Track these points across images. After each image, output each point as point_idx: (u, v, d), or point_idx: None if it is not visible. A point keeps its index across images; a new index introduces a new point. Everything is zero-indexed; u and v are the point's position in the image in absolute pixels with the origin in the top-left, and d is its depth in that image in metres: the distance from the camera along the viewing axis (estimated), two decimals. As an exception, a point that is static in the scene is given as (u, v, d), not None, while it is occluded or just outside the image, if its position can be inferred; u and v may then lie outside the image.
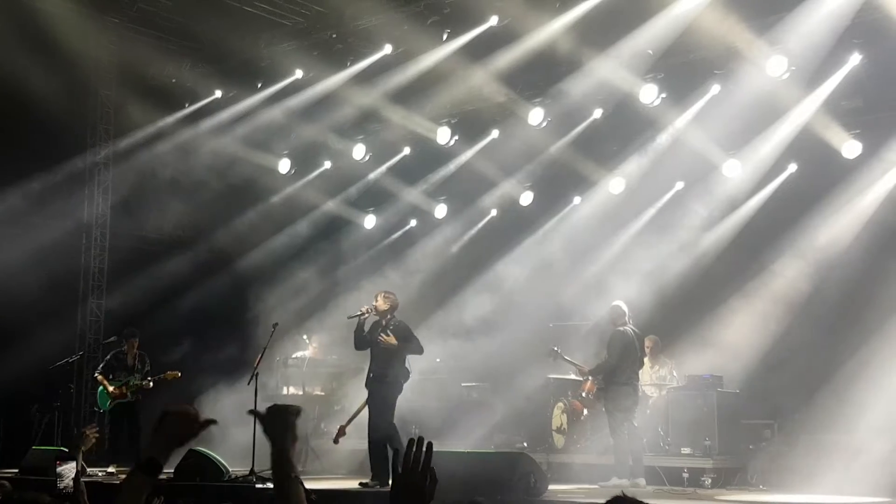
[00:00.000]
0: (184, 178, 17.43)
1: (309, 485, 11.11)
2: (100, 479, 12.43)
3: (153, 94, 17.10)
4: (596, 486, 11.66)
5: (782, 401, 13.11)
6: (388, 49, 15.21)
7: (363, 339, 11.53)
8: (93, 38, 15.98)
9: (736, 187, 15.34)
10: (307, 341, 15.49)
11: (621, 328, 12.17)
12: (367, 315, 11.44)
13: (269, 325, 12.66)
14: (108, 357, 14.12)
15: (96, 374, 14.05)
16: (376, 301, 11.50)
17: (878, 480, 10.66)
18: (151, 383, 13.76)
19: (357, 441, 14.74)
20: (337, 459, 14.32)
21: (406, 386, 15.14)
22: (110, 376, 13.90)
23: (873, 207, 14.15)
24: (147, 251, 17.77)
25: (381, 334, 11.37)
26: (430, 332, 16.11)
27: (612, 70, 14.32)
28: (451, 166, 17.50)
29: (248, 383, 12.07)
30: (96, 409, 14.06)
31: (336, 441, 12.76)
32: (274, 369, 14.41)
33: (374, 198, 18.90)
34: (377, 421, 11.41)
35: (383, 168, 18.20)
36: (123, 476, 12.54)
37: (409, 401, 15.17)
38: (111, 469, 13.36)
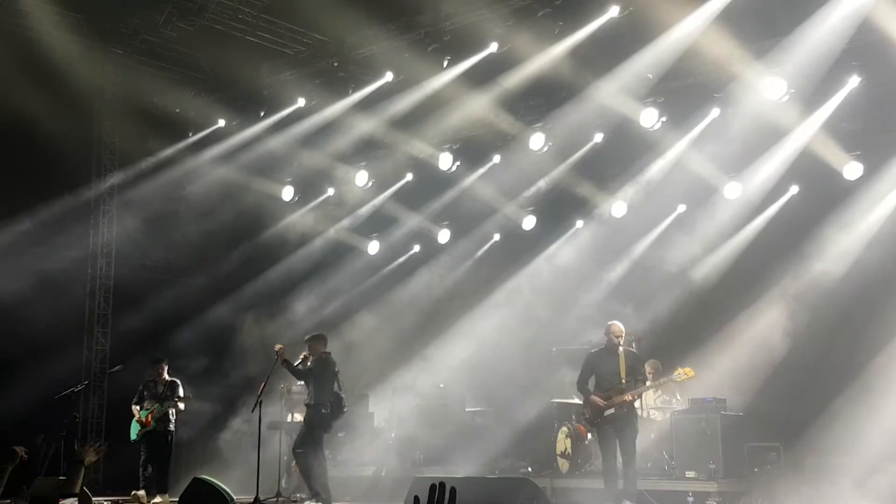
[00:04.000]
0: (188, 207, 17.55)
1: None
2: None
3: (157, 124, 17.23)
4: None
5: (787, 423, 13.07)
6: (389, 76, 15.32)
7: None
8: (97, 69, 16.13)
9: (737, 209, 15.38)
10: (311, 368, 15.48)
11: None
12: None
13: (272, 353, 12.68)
14: (141, 387, 14.09)
15: (132, 405, 14.02)
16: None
17: (883, 502, 10.64)
18: (177, 406, 13.75)
19: (359, 468, 14.80)
20: (341, 487, 14.32)
21: (409, 411, 15.25)
22: (141, 406, 13.88)
23: (875, 228, 14.17)
24: (152, 280, 17.83)
25: None
26: (433, 358, 16.20)
27: (612, 94, 14.38)
28: (454, 192, 17.57)
29: (252, 411, 12.09)
30: (131, 440, 13.96)
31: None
32: (278, 397, 14.41)
33: (377, 224, 18.99)
34: None
35: (386, 194, 18.29)
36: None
37: (413, 426, 15.26)
38: (132, 498, 13.40)
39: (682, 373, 11.76)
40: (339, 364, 12.99)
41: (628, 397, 11.49)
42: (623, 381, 11.55)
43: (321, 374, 12.36)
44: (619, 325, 11.87)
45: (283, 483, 13.47)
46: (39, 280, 15.39)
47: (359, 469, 14.91)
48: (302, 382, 14.28)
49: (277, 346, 12.47)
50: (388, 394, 16.33)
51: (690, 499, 11.97)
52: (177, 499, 11.96)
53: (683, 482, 12.39)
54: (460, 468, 13.99)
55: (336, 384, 12.46)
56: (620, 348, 11.73)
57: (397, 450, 15.10)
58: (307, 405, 12.41)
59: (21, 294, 14.97)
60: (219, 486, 11.43)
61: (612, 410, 11.54)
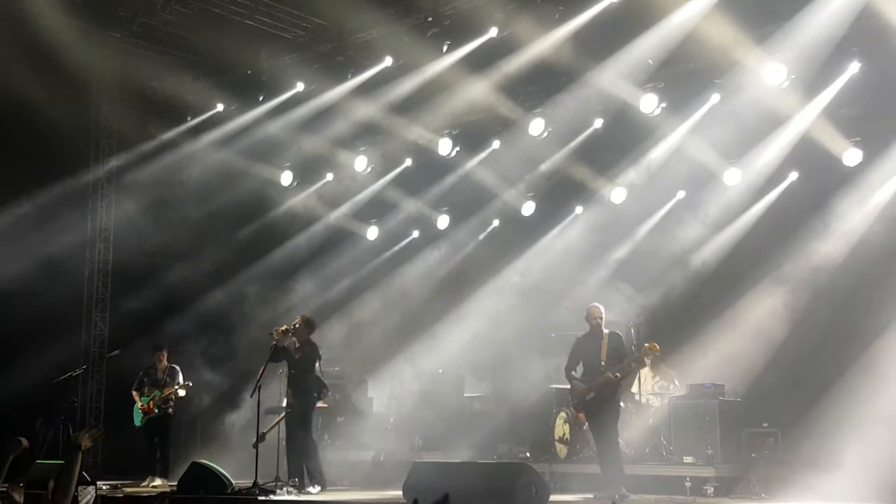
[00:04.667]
0: (186, 192, 17.52)
1: (312, 497, 11.18)
2: (104, 492, 12.45)
3: (155, 109, 17.22)
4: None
5: (784, 409, 13.08)
6: (388, 61, 15.28)
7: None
8: (95, 53, 16.10)
9: (737, 196, 15.36)
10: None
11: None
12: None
13: (270, 339, 12.62)
14: (141, 373, 14.31)
15: (132, 391, 14.24)
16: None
17: (881, 487, 10.66)
18: (176, 393, 13.93)
19: (358, 452, 14.82)
20: (340, 471, 14.35)
21: (408, 397, 15.18)
22: (142, 392, 14.11)
23: (874, 215, 14.15)
24: (150, 264, 17.85)
25: None
26: (432, 343, 16.21)
27: (612, 80, 14.36)
28: (453, 177, 17.54)
29: (251, 396, 12.08)
30: (136, 426, 14.20)
31: (254, 446, 12.67)
32: (277, 382, 14.43)
33: (376, 209, 18.96)
34: None
35: (385, 180, 18.26)
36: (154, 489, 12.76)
37: (412, 411, 15.27)
38: (147, 482, 13.55)
39: (648, 349, 11.57)
40: (338, 349, 12.98)
41: (610, 375, 11.20)
42: (602, 363, 11.32)
43: (310, 360, 12.29)
44: (597, 308, 11.63)
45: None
46: (38, 264, 15.40)
47: (358, 454, 14.92)
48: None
49: (275, 330, 12.37)
50: (388, 379, 16.35)
51: (688, 484, 11.99)
52: (176, 483, 12.02)
53: (681, 467, 12.41)
54: (459, 453, 14.02)
55: (319, 370, 12.45)
56: (605, 331, 11.50)
57: (396, 435, 15.13)
58: (296, 391, 12.28)
59: (20, 278, 14.98)
60: (217, 470, 11.51)
61: (592, 395, 11.37)
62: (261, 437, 12.14)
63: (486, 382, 15.90)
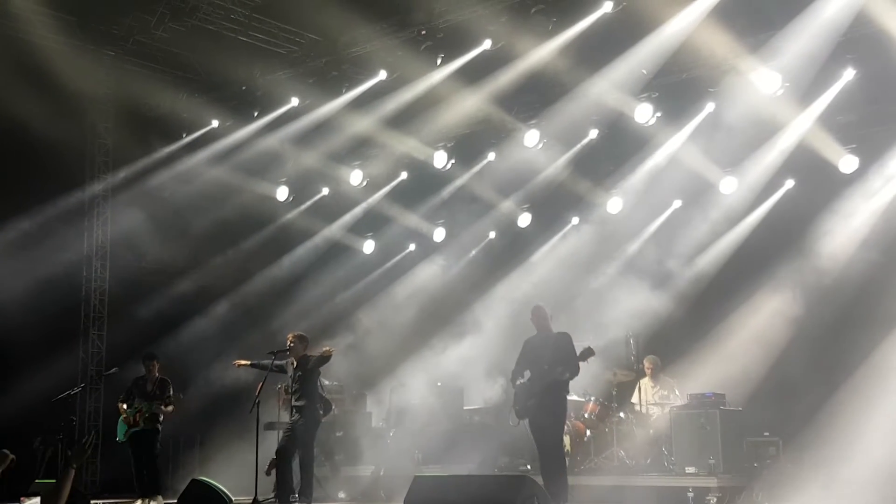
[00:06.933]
0: (182, 208, 17.49)
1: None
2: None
3: (150, 126, 17.21)
4: None
5: (787, 417, 13.04)
6: (382, 75, 15.29)
7: None
8: (89, 71, 16.06)
9: (733, 204, 15.36)
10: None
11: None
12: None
13: (268, 355, 12.56)
14: (130, 384, 13.69)
15: (118, 403, 13.60)
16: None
17: (884, 496, 10.62)
18: (168, 407, 13.35)
19: (357, 467, 14.75)
20: (338, 486, 14.30)
21: (407, 410, 15.08)
22: (130, 404, 13.43)
23: (872, 222, 14.14)
24: (147, 282, 17.79)
25: None
26: (432, 356, 16.15)
27: (607, 90, 14.37)
28: (449, 190, 17.54)
29: (250, 411, 12.01)
30: (117, 440, 13.56)
31: (268, 473, 12.56)
32: (275, 397, 14.37)
33: (372, 223, 18.95)
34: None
35: (381, 193, 18.26)
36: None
37: (411, 425, 15.21)
38: (138, 502, 13.31)
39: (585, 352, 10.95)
40: (336, 364, 12.90)
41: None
42: (546, 367, 10.82)
43: (311, 376, 12.23)
44: (541, 308, 11.24)
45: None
46: (35, 283, 15.33)
47: (357, 469, 14.86)
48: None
49: (274, 351, 12.33)
50: (386, 393, 16.29)
51: (690, 494, 11.93)
52: (175, 500, 11.94)
53: (683, 478, 12.35)
54: (460, 466, 13.94)
55: (319, 385, 12.38)
56: (555, 333, 11.05)
57: (396, 449, 15.05)
58: (299, 407, 12.17)
59: (17, 297, 14.92)
60: (217, 487, 11.40)
61: (533, 400, 10.87)
62: (272, 464, 12.24)
63: (484, 395, 15.82)
